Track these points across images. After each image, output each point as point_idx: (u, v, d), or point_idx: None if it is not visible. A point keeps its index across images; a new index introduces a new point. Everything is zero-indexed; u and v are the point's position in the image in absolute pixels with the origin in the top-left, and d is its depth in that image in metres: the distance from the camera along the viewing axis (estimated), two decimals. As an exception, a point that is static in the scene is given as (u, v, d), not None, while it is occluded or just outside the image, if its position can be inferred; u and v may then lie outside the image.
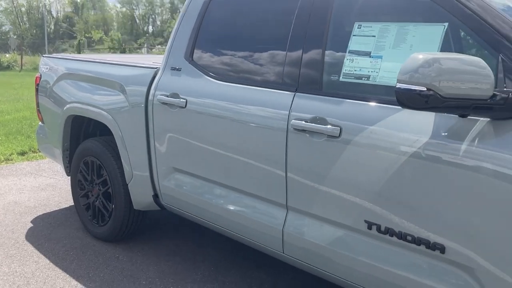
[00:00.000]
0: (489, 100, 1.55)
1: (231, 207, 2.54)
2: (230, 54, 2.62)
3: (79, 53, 24.76)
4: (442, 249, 1.75)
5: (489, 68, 1.54)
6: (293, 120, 2.15)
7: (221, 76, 2.59)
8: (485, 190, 1.61)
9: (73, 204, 3.74)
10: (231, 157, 2.47)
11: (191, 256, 3.19)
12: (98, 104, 3.22)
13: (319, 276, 2.26)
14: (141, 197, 3.09)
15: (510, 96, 1.55)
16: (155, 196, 3.02)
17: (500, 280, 1.61)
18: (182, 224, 3.68)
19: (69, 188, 4.16)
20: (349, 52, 2.08)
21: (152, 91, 2.86)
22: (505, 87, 1.61)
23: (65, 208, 4.06)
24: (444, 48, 1.82)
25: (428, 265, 1.82)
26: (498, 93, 1.55)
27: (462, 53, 1.75)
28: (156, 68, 2.95)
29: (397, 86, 1.58)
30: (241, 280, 2.88)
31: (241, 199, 2.50)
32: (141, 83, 2.94)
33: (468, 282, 1.71)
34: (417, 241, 1.81)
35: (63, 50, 36.90)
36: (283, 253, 2.33)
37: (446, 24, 1.82)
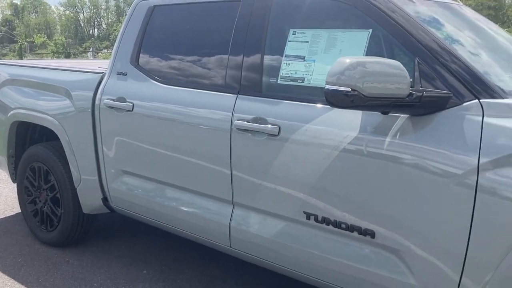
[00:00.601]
0: (406, 99, 1.74)
1: (180, 206, 2.64)
2: (175, 58, 2.72)
3: (21, 58, 23.83)
4: (372, 235, 1.94)
5: (405, 70, 1.73)
6: (236, 121, 2.29)
7: (166, 80, 2.69)
8: (406, 179, 1.81)
9: (19, 211, 3.70)
10: (178, 158, 2.57)
11: (142, 257, 3.25)
12: (43, 109, 3.22)
13: (266, 267, 2.40)
14: (90, 200, 3.12)
15: (424, 94, 1.75)
16: (105, 199, 3.06)
17: (421, 258, 1.80)
18: (133, 225, 3.73)
19: (15, 195, 4.09)
20: (285, 57, 2.23)
21: (98, 96, 2.91)
22: (421, 87, 1.81)
23: (11, 216, 3.99)
24: (369, 52, 2.00)
25: (361, 250, 2.00)
26: (414, 92, 1.74)
27: (384, 56, 1.95)
28: (102, 73, 3.00)
29: (326, 88, 1.75)
30: (193, 277, 2.97)
31: (189, 198, 2.60)
32: (87, 88, 2.98)
33: (396, 263, 1.90)
34: (351, 228, 1.99)
35: (3, 55, 35.36)
36: (231, 247, 2.46)
37: (370, 30, 2.02)
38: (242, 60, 2.37)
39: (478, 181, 1.64)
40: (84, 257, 3.24)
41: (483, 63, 2.02)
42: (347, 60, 1.72)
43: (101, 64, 3.67)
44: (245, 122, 2.25)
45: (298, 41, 2.21)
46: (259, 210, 2.30)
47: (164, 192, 2.72)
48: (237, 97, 2.34)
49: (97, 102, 2.91)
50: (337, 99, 1.73)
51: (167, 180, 2.68)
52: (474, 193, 1.65)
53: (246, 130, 2.25)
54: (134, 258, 3.23)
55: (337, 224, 2.03)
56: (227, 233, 2.42)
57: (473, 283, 1.68)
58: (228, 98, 2.37)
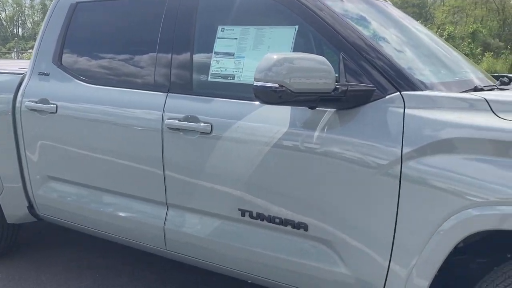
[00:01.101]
0: (332, 93, 1.78)
1: (112, 211, 2.55)
2: (100, 57, 2.62)
3: None
4: (305, 227, 1.97)
5: (330, 65, 1.77)
6: (167, 120, 2.24)
7: (92, 79, 2.58)
8: (335, 171, 1.85)
9: None
10: (107, 160, 2.48)
11: (75, 265, 3.11)
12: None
13: (204, 267, 2.37)
14: (14, 209, 2.94)
15: (349, 88, 1.80)
16: (30, 207, 2.90)
17: (352, 247, 1.86)
18: (62, 233, 3.56)
19: None
20: (215, 54, 2.22)
21: (19, 98, 2.75)
22: (346, 81, 1.86)
23: None
24: (296, 48, 2.03)
25: (295, 243, 2.02)
26: (339, 87, 1.79)
27: (311, 52, 1.99)
28: (23, 73, 2.83)
29: (254, 84, 1.75)
30: (128, 282, 2.89)
31: (121, 202, 2.52)
32: (7, 90, 2.81)
33: (328, 254, 1.94)
34: (284, 222, 2.01)
35: None
36: (166, 249, 2.41)
37: (297, 27, 2.05)
38: (171, 57, 2.32)
39: (402, 170, 1.71)
40: (11, 269, 3.05)
41: (405, 58, 2.11)
42: (274, 57, 1.73)
43: (22, 65, 3.46)
44: (176, 121, 2.21)
45: (227, 38, 2.20)
46: (193, 210, 2.27)
47: (94, 197, 2.62)
48: (167, 95, 2.30)
49: (17, 104, 2.75)
50: (266, 95, 1.74)
51: (96, 185, 2.58)
52: (398, 182, 1.72)
53: (177, 129, 2.21)
54: (65, 266, 3.09)
55: (271, 219, 2.04)
56: (162, 236, 2.37)
57: (401, 267, 1.75)
58: (158, 96, 2.32)
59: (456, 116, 1.67)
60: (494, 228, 1.60)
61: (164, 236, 2.36)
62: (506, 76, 2.69)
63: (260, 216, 2.07)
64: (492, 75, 2.72)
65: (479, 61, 17.79)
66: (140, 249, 2.58)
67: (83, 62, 2.66)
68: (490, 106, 1.66)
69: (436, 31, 19.23)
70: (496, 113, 1.64)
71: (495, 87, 2.18)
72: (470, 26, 18.89)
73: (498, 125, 1.60)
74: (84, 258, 3.20)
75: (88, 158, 2.54)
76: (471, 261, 2.03)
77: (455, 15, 24.61)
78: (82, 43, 2.71)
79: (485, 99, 1.69)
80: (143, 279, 2.94)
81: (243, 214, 2.11)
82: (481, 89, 1.99)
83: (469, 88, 1.97)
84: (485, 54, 18.44)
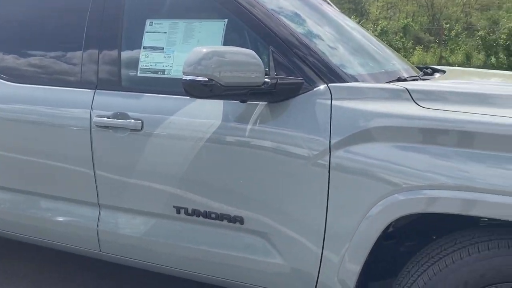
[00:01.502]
0: (262, 86, 1.79)
1: (43, 215, 2.43)
2: (24, 54, 2.48)
3: None
4: (241, 221, 1.97)
5: (259, 59, 1.78)
6: (95, 118, 2.16)
7: (14, 77, 2.44)
8: (268, 164, 1.87)
9: None
10: (35, 162, 2.36)
11: (9, 275, 2.94)
12: None
13: (144, 268, 2.31)
14: None
15: (278, 81, 1.81)
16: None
17: (286, 238, 1.89)
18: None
19: None
20: (144, 48, 2.16)
21: None
22: (276, 74, 1.88)
23: None
24: (226, 42, 2.03)
25: (232, 237, 2.02)
26: (269, 80, 1.80)
27: (241, 46, 1.98)
28: None
29: (183, 78, 1.73)
30: (63, 288, 2.78)
31: (52, 205, 2.41)
32: None
33: (265, 246, 1.96)
34: (220, 217, 2.00)
35: None
36: (101, 251, 2.33)
37: (226, 20, 2.04)
38: (98, 53, 2.24)
39: (331, 160, 1.75)
40: None
41: (333, 51, 2.15)
42: (203, 50, 1.72)
43: None
44: (105, 119, 2.14)
45: (155, 32, 2.16)
46: (127, 209, 2.21)
47: (23, 201, 2.48)
48: (95, 92, 2.22)
49: None
50: (195, 89, 1.73)
51: (24, 188, 2.45)
52: (328, 172, 1.76)
53: (106, 127, 2.15)
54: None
55: (207, 215, 2.03)
56: (96, 238, 2.29)
57: (334, 254, 1.80)
58: (85, 94, 2.23)
59: (380, 105, 1.73)
60: (419, 212, 1.68)
61: (98, 238, 2.29)
62: (430, 67, 2.83)
63: (195, 212, 2.05)
64: (418, 67, 2.85)
65: (411, 54, 18.65)
66: (76, 253, 2.48)
67: (4, 59, 2.51)
68: (411, 96, 1.74)
69: (371, 26, 19.92)
70: (417, 102, 1.72)
71: (418, 77, 2.28)
72: (402, 21, 19.73)
73: (418, 113, 1.68)
74: (14, 267, 3.04)
75: (13, 161, 2.41)
76: (401, 245, 2.12)
77: (389, 11, 25.62)
78: (1, 39, 2.55)
79: (406, 89, 1.76)
80: (79, 284, 2.83)
81: (178, 211, 2.08)
82: (405, 80, 2.07)
83: (394, 79, 2.05)
84: (416, 47, 19.39)
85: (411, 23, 20.06)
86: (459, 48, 18.48)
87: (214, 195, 2.00)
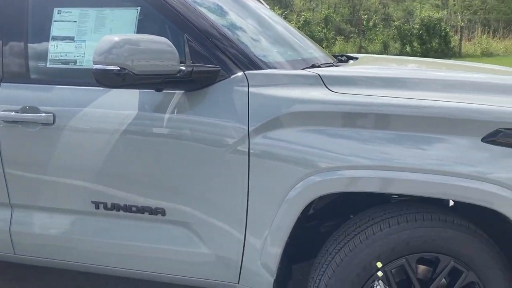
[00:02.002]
0: (178, 75, 1.77)
1: None
2: None
3: None
4: (163, 212, 1.95)
5: (173, 46, 1.75)
6: (1, 112, 2.03)
7: None
8: (188, 153, 1.85)
9: None
10: None
11: None
12: None
13: (64, 267, 2.21)
14: None
15: (194, 69, 1.80)
16: None
17: (209, 226, 1.89)
18: None
19: None
20: (52, 38, 2.06)
21: None
22: (192, 63, 1.86)
23: None
24: (140, 30, 1.98)
25: (155, 229, 1.99)
26: (184, 68, 1.78)
27: (156, 34, 1.94)
28: None
29: (94, 68, 1.67)
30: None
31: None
32: None
33: (188, 236, 1.95)
34: (141, 210, 1.97)
35: None
36: (15, 254, 2.20)
37: (139, 8, 1.98)
38: (1, 44, 2.10)
39: (250, 147, 1.77)
40: None
41: (250, 40, 2.16)
42: (114, 38, 1.66)
43: None
44: (13, 113, 2.02)
45: (65, 21, 2.06)
46: (42, 208, 2.10)
47: None
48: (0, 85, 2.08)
49: None
50: (107, 79, 1.67)
51: None
52: (247, 158, 1.78)
53: (15, 122, 2.02)
54: None
55: (127, 208, 1.98)
56: (9, 240, 2.16)
57: (256, 238, 1.83)
58: (-11, 87, 2.08)
59: (294, 91, 1.78)
60: (336, 191, 1.74)
61: (11, 240, 2.16)
62: (345, 55, 2.94)
63: (115, 207, 1.99)
64: (333, 55, 2.95)
65: (333, 44, 19.28)
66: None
67: None
68: (323, 81, 1.80)
69: (295, 17, 20.29)
70: (329, 87, 1.78)
71: (332, 64, 2.36)
72: (323, 12, 20.30)
73: (329, 98, 1.74)
74: None
75: None
76: (321, 226, 2.20)
77: (312, 2, 26.19)
78: None
79: (318, 74, 1.82)
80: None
81: (97, 207, 2.01)
82: (319, 67, 2.14)
83: (308, 66, 2.11)
84: (337, 38, 20.06)
85: (332, 14, 20.69)
86: (377, 38, 19.38)
87: (134, 187, 1.96)
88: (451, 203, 1.89)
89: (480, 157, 1.62)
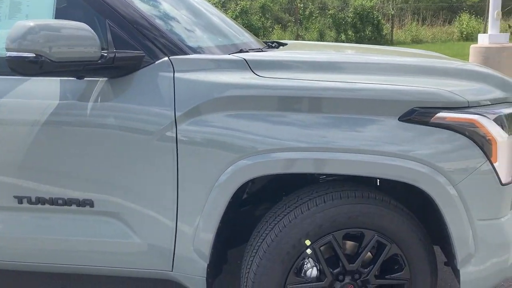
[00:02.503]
0: (99, 61, 1.72)
1: None
2: None
3: None
4: (91, 204, 1.90)
5: (93, 32, 1.70)
6: None
7: None
8: (114, 142, 1.81)
9: None
10: None
11: None
12: None
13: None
14: None
15: (117, 55, 1.75)
16: None
17: (140, 215, 1.86)
18: None
19: None
20: (-38, 25, 1.93)
21: None
22: (114, 49, 1.81)
23: None
24: (59, 15, 1.89)
25: (84, 222, 1.94)
26: (106, 54, 1.73)
27: (76, 20, 1.87)
28: None
29: (7, 55, 1.58)
30: None
31: None
32: None
33: (119, 226, 1.91)
34: (68, 202, 1.90)
35: None
36: None
37: (57, -7, 1.90)
38: None
39: (177, 133, 1.76)
40: None
41: (175, 26, 2.13)
42: (29, 24, 1.59)
43: None
44: None
45: (-25, 7, 1.93)
46: (-40, 205, 1.98)
47: None
48: None
49: None
50: (23, 67, 1.60)
51: None
52: (175, 145, 1.77)
53: None
54: None
55: (53, 201, 1.91)
56: None
57: (187, 226, 1.83)
58: None
59: (220, 76, 1.78)
60: (266, 174, 1.77)
61: None
62: (276, 42, 2.98)
63: (40, 200, 1.92)
64: (264, 42, 2.98)
65: (270, 33, 19.43)
66: None
67: None
68: (249, 66, 1.81)
69: (232, 6, 20.18)
70: (255, 71, 1.80)
71: (261, 50, 2.38)
72: (260, 1, 20.36)
73: (254, 82, 1.76)
74: None
75: None
76: (256, 210, 2.24)
77: (250, -9, 26.20)
78: None
79: (244, 59, 1.83)
80: None
81: (20, 201, 1.92)
82: (247, 52, 2.15)
83: (236, 51, 2.12)
84: (275, 27, 20.25)
85: (269, 4, 20.80)
86: (313, 27, 19.74)
87: (59, 180, 1.89)
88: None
89: (402, 137, 1.70)
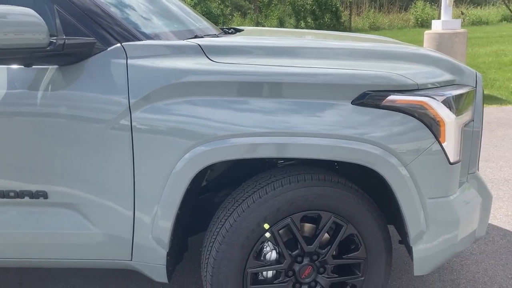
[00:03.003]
0: (48, 48, 1.66)
1: None
2: None
3: None
4: (45, 195, 1.85)
5: (40, 18, 1.63)
6: None
7: None
8: (66, 131, 1.77)
9: None
10: None
11: None
12: None
13: None
14: None
15: (66, 42, 1.70)
16: None
17: (97, 206, 1.83)
18: None
19: None
20: None
21: None
22: (64, 35, 1.76)
23: None
24: (3, 1, 1.81)
25: (39, 215, 1.88)
26: (55, 41, 1.68)
27: (22, 6, 1.80)
28: None
29: None
30: None
31: None
32: None
33: (76, 217, 1.87)
34: (20, 194, 1.85)
35: None
36: None
37: (1, -23, 1.82)
38: None
39: (132, 121, 1.73)
40: None
41: (127, 11, 2.08)
42: None
43: None
44: None
45: None
46: None
47: None
48: None
49: None
50: (-38, 55, 1.52)
51: None
52: (130, 133, 1.74)
53: None
54: None
55: (4, 194, 1.85)
56: None
57: (145, 214, 1.81)
58: None
59: (174, 62, 1.76)
60: (225, 160, 1.77)
61: None
62: (233, 28, 2.97)
63: (-10, 194, 1.85)
64: (221, 28, 2.96)
65: (230, 20, 19.33)
66: None
67: None
68: (203, 51, 1.80)
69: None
70: (209, 57, 1.79)
71: (216, 35, 2.37)
72: (219, -12, 20.22)
73: (209, 68, 1.75)
74: None
75: None
76: (215, 196, 2.24)
77: (208, -22, 25.86)
78: None
79: (198, 45, 1.81)
80: None
81: (-31, 195, 1.85)
82: (201, 37, 2.14)
83: (191, 37, 2.10)
84: (234, 14, 20.15)
85: (228, -9, 20.66)
86: (273, 14, 19.76)
87: (10, 172, 1.83)
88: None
89: (357, 120, 1.73)
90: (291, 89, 1.74)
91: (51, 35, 1.68)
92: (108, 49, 1.78)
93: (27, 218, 1.89)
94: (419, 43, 7.86)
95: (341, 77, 1.75)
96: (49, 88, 1.76)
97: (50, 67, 1.77)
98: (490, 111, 5.96)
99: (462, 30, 6.98)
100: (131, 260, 1.90)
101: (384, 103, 1.72)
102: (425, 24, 19.01)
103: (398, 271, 2.53)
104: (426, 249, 1.85)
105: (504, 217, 3.11)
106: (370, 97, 1.72)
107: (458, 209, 1.86)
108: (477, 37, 14.98)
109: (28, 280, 2.54)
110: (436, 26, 7.10)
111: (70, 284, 2.50)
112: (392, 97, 1.72)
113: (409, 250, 1.89)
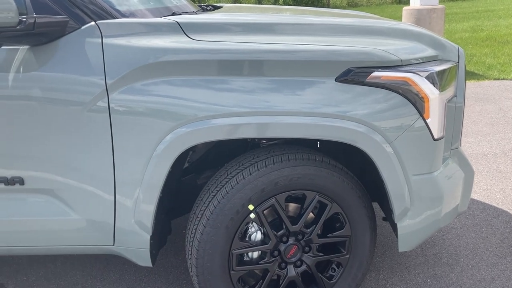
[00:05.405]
0: (18, 27, 1.58)
1: None
2: None
3: None
4: (21, 181, 1.78)
5: (8, -5, 1.55)
6: None
7: None
8: (41, 114, 1.69)
9: None
10: None
11: None
12: None
13: None
14: None
15: (37, 21, 1.61)
16: None
17: (75, 191, 1.77)
18: None
19: None
20: None
21: None
22: (34, 14, 1.67)
23: None
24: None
25: (17, 201, 1.82)
26: (25, 20, 1.59)
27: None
28: None
29: None
30: None
31: None
32: None
33: (54, 203, 1.81)
34: (-5, 181, 1.78)
35: None
36: None
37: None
38: None
39: (110, 102, 1.67)
40: None
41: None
42: None
43: None
44: None
45: None
46: None
47: None
48: None
49: None
50: None
51: None
52: (108, 115, 1.68)
53: None
54: None
55: (-22, 181, 1.78)
56: None
57: (127, 198, 1.77)
58: None
59: (152, 40, 1.69)
60: (207, 141, 1.72)
61: None
62: (211, 5, 2.88)
63: (-37, 181, 1.78)
64: (199, 5, 2.88)
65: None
66: None
67: None
68: (182, 29, 1.74)
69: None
70: (188, 35, 1.73)
71: (194, 12, 2.29)
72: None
73: (188, 46, 1.69)
74: None
75: None
76: (198, 178, 2.21)
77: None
78: None
79: (177, 22, 1.75)
80: None
81: None
82: (179, 14, 2.06)
83: (168, 14, 2.03)
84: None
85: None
86: (252, -7, 19.52)
87: (-17, 158, 1.76)
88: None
89: (340, 97, 1.70)
90: (272, 67, 1.69)
91: (20, 14, 1.59)
92: (82, 27, 1.70)
93: (4, 206, 1.83)
94: (398, 19, 7.83)
95: (323, 53, 1.71)
96: (21, 70, 1.68)
97: (21, 47, 1.69)
98: (467, 86, 6.02)
99: (440, 5, 6.99)
100: (114, 245, 1.86)
101: (368, 79, 1.69)
102: (402, 0, 19.00)
103: (381, 248, 2.55)
104: (411, 225, 1.85)
105: (483, 191, 3.16)
106: (354, 74, 1.69)
107: (442, 185, 1.86)
108: (453, 13, 15.07)
109: (6, 267, 2.49)
110: (415, 2, 7.09)
111: (49, 270, 2.45)
112: (376, 73, 1.69)
113: (394, 226, 1.89)
